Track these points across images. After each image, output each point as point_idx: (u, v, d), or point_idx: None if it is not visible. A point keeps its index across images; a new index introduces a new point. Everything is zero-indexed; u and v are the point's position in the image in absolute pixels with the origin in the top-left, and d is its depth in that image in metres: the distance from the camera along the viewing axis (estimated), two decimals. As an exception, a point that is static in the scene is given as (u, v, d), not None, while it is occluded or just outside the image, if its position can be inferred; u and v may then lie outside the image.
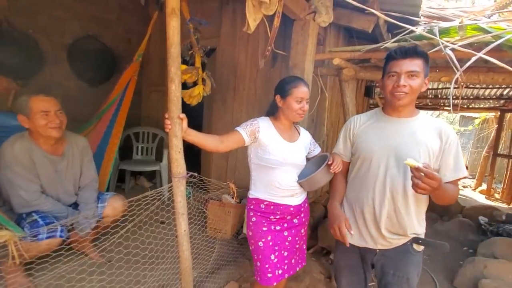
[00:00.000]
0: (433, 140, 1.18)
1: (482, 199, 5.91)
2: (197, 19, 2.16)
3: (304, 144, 1.57)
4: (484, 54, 1.29)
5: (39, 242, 1.56)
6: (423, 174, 0.99)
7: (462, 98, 5.23)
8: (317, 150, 1.64)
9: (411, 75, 1.14)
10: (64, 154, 1.89)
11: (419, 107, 6.57)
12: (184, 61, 1.88)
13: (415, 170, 1.01)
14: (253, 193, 1.53)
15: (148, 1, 3.52)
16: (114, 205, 2.02)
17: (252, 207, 1.52)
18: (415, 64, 1.13)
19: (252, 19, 1.62)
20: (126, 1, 3.55)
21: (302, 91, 1.41)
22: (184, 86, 1.76)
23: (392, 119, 1.26)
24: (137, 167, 3.28)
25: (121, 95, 2.82)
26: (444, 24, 1.64)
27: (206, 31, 3.09)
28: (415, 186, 1.02)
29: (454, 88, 1.27)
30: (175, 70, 1.15)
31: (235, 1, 2.83)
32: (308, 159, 1.59)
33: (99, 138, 2.70)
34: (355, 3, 1.34)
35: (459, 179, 1.20)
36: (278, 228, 1.49)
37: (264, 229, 1.47)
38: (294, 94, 1.41)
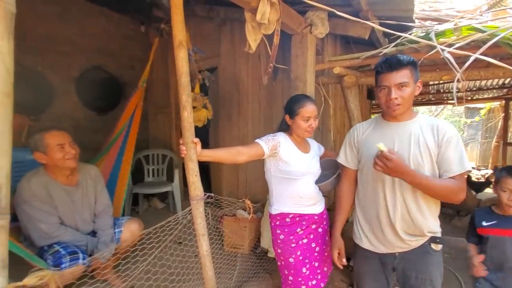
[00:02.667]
0: (430, 139, 1.20)
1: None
2: (197, 48, 2.25)
3: (315, 152, 1.65)
4: (482, 51, 1.33)
5: (63, 271, 1.60)
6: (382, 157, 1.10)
7: (465, 91, 5.23)
8: (322, 150, 1.74)
9: (401, 86, 1.18)
10: (78, 184, 1.95)
11: (423, 102, 6.56)
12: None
13: (380, 153, 1.11)
14: (276, 208, 1.56)
15: (148, 28, 3.67)
16: (130, 229, 2.06)
17: (277, 223, 1.55)
18: (403, 75, 1.17)
19: (253, 40, 1.69)
20: (127, 30, 3.70)
21: (308, 110, 1.48)
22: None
23: (391, 124, 1.29)
24: (150, 189, 3.33)
25: (129, 122, 2.90)
26: (439, 27, 1.68)
27: (206, 51, 3.19)
28: (373, 164, 1.13)
29: (461, 80, 1.30)
30: (186, 98, 1.20)
31: (232, 21, 2.93)
32: None
33: (111, 166, 2.76)
34: (349, 16, 1.39)
35: (463, 174, 1.18)
36: (305, 241, 1.53)
37: (293, 245, 1.51)
38: (301, 114, 1.48)
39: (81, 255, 1.72)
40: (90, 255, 1.84)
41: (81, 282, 1.44)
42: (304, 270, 1.50)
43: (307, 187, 1.52)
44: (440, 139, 1.18)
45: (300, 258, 1.50)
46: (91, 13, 3.33)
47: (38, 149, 1.74)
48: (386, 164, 1.09)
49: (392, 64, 1.18)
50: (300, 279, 1.49)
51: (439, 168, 1.20)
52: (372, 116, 2.21)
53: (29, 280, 0.72)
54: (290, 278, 1.52)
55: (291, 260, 1.50)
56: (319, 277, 1.55)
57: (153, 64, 3.17)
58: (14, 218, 1.80)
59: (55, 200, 1.81)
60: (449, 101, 6.18)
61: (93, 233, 2.01)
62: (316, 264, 1.55)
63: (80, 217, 1.94)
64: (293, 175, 1.48)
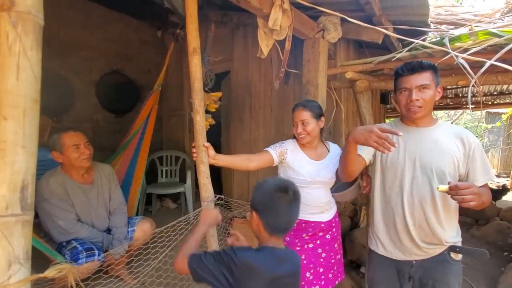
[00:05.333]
0: (456, 148, 1.19)
1: (520, 199, 5.52)
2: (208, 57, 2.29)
3: (333, 161, 1.57)
4: (499, 56, 1.30)
5: (79, 266, 1.67)
6: (458, 190, 1.01)
7: (486, 95, 5.06)
8: None
9: (422, 89, 1.17)
10: (93, 182, 2.04)
11: (441, 107, 6.37)
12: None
13: (450, 191, 1.03)
14: None
15: (164, 33, 3.78)
16: (143, 228, 2.13)
17: None
18: (424, 78, 1.17)
19: (265, 45, 1.72)
20: (145, 35, 3.83)
21: (297, 115, 1.49)
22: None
23: (412, 129, 1.27)
24: (163, 190, 3.41)
25: (144, 124, 2.98)
26: (454, 32, 1.65)
27: (220, 55, 3.25)
28: (464, 203, 1.02)
29: (476, 86, 1.27)
30: (199, 102, 1.24)
31: (245, 26, 2.98)
32: None
33: (126, 166, 2.85)
34: (361, 23, 1.40)
35: (487, 183, 1.21)
36: (311, 246, 1.53)
37: (298, 248, 1.52)
38: (293, 119, 1.51)
39: (96, 252, 1.80)
40: (105, 252, 1.91)
41: (96, 277, 1.50)
42: (307, 274, 1.50)
43: (313, 196, 1.50)
44: (467, 150, 1.18)
45: (305, 262, 1.50)
46: (111, 20, 3.48)
47: (55, 148, 1.84)
48: (474, 192, 1.01)
49: (414, 66, 1.18)
50: (303, 282, 1.49)
51: (466, 178, 1.20)
52: (387, 121, 2.18)
53: (50, 272, 0.77)
54: None
55: None
56: (322, 283, 1.54)
57: (168, 68, 3.26)
58: (35, 215, 1.90)
59: (72, 198, 1.90)
60: (467, 106, 5.97)
61: (109, 231, 2.09)
62: (321, 270, 1.54)
63: (96, 214, 2.03)
64: (299, 183, 1.44)
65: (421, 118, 1.23)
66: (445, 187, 1.04)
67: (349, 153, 1.19)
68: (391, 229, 1.29)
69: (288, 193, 0.91)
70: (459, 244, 1.25)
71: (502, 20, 1.94)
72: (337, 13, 1.65)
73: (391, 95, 4.09)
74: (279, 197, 0.90)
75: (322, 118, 1.54)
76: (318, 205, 1.51)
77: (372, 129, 1.03)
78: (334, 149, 1.64)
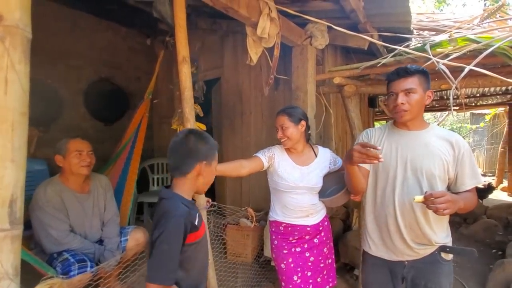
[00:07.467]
0: (446, 151, 1.22)
1: (505, 197, 5.70)
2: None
3: (321, 166, 1.59)
4: (478, 61, 1.36)
5: (71, 279, 1.64)
6: (433, 199, 1.04)
7: (469, 97, 5.22)
8: (339, 164, 1.65)
9: (408, 92, 1.21)
10: (90, 192, 2.03)
11: (427, 109, 6.55)
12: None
13: (425, 201, 1.06)
14: (272, 215, 1.61)
15: (153, 41, 3.78)
16: (136, 238, 2.11)
17: (273, 229, 1.60)
18: (410, 82, 1.21)
19: (254, 53, 1.75)
20: (133, 43, 3.82)
21: (277, 121, 1.55)
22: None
23: (404, 132, 1.30)
24: (154, 198, 3.37)
25: (135, 133, 2.96)
26: (436, 38, 1.72)
27: (210, 62, 3.28)
28: (439, 212, 1.05)
29: (456, 90, 1.34)
30: (189, 111, 1.25)
31: (234, 33, 3.01)
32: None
33: (118, 175, 2.81)
34: (346, 31, 1.44)
35: (475, 187, 1.23)
36: (298, 249, 1.55)
37: (285, 251, 1.53)
38: (275, 125, 1.55)
39: (89, 263, 1.76)
40: (97, 263, 1.87)
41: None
42: (295, 278, 1.51)
43: (297, 201, 1.52)
44: (457, 153, 1.21)
45: (292, 265, 1.52)
46: (99, 28, 3.46)
47: (59, 152, 1.87)
48: (448, 200, 1.05)
49: (399, 71, 1.23)
50: (290, 286, 1.50)
51: (455, 181, 1.23)
52: (376, 124, 2.23)
53: (40, 287, 0.76)
54: (283, 283, 1.54)
55: (282, 266, 1.53)
56: (310, 287, 1.55)
57: (158, 76, 3.26)
58: (28, 225, 1.86)
59: (68, 207, 1.89)
60: (453, 108, 6.16)
61: (100, 242, 2.06)
62: (309, 273, 1.55)
63: (90, 225, 2.00)
64: (282, 188, 1.52)
65: (410, 121, 1.26)
66: (421, 197, 1.07)
67: (349, 174, 1.26)
68: (383, 230, 1.31)
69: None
70: (450, 244, 1.28)
71: (480, 26, 2.03)
72: (324, 21, 1.69)
73: (379, 99, 4.20)
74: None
75: (302, 122, 1.54)
76: (301, 210, 1.53)
77: (353, 148, 1.11)
78: (323, 154, 1.63)
